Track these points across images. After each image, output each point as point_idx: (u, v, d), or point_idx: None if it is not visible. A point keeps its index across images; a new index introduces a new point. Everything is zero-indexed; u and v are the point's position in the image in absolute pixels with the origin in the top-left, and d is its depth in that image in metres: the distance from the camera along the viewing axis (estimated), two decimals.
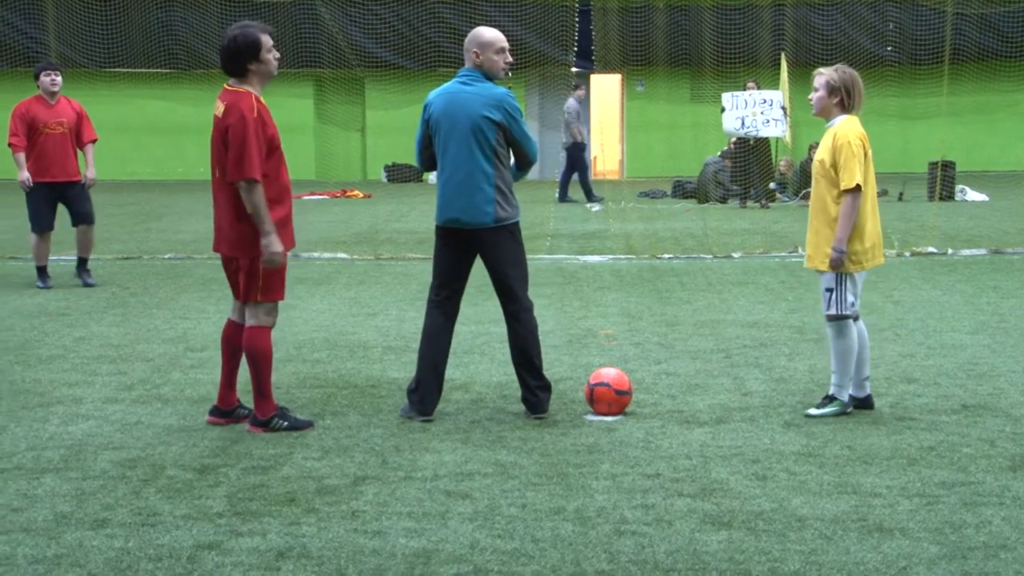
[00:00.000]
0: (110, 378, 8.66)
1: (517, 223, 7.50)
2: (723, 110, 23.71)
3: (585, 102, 29.30)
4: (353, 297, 12.46)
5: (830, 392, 7.46)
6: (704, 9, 33.40)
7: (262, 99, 7.01)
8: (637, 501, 5.82)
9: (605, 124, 35.40)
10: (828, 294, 7.35)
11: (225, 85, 7.06)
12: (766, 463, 6.43)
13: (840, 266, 7.23)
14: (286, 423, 7.11)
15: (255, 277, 7.01)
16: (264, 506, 5.78)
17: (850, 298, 7.32)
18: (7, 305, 12.04)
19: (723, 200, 24.61)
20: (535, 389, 7.49)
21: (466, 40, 7.50)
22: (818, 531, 5.38)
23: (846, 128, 7.26)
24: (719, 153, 26.01)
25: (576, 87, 27.41)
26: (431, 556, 5.12)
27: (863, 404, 7.52)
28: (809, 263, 7.48)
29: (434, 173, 7.80)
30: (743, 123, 23.35)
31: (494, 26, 7.93)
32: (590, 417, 7.41)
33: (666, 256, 15.74)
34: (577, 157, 26.11)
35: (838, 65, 7.45)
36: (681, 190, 27.01)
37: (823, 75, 7.34)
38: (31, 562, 5.07)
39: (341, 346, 9.78)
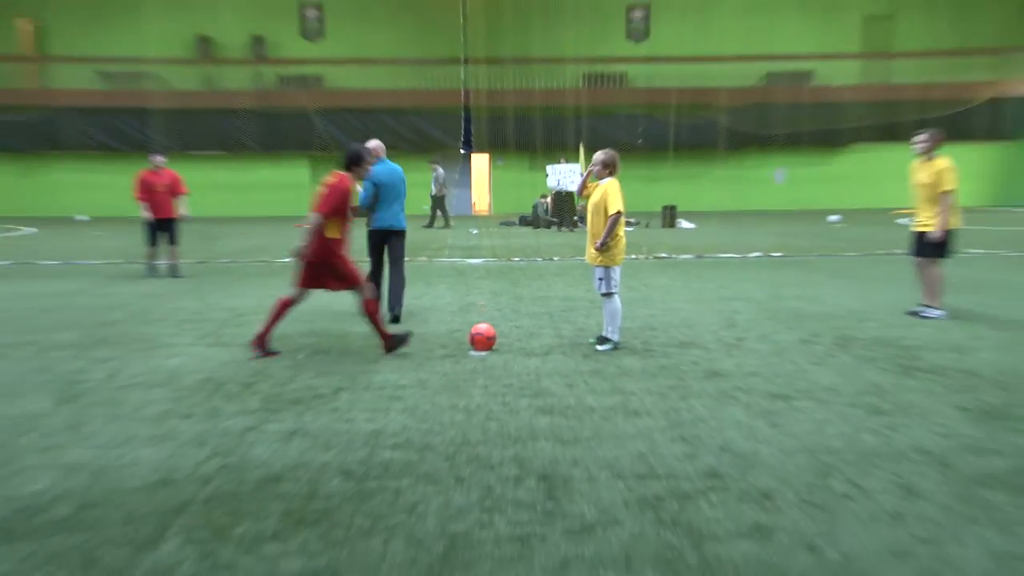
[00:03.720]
0: (192, 331, 8.42)
1: (405, 229, 8.53)
2: (547, 175, 23.94)
3: (452, 171, 28.95)
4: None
5: (606, 335, 7.55)
6: (537, 119, 33.79)
7: None
8: (499, 401, 5.86)
9: (480, 183, 35.61)
10: (600, 281, 7.46)
11: None
12: (572, 377, 6.51)
13: (602, 249, 7.25)
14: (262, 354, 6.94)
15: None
16: (283, 405, 5.71)
17: (612, 284, 7.44)
18: (129, 290, 11.58)
19: (548, 226, 24.78)
20: (392, 308, 8.41)
21: (378, 146, 8.49)
22: (601, 415, 5.48)
23: (612, 184, 7.39)
24: (542, 196, 26.17)
25: (435, 163, 25.68)
26: (379, 433, 5.12)
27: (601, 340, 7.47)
28: (591, 261, 7.55)
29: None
30: (558, 182, 23.58)
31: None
32: (472, 353, 7.40)
33: (515, 259, 15.76)
34: (439, 205, 25.06)
35: (606, 149, 7.53)
36: (523, 220, 27.08)
37: (598, 157, 7.44)
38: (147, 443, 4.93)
39: (327, 315, 9.61)
